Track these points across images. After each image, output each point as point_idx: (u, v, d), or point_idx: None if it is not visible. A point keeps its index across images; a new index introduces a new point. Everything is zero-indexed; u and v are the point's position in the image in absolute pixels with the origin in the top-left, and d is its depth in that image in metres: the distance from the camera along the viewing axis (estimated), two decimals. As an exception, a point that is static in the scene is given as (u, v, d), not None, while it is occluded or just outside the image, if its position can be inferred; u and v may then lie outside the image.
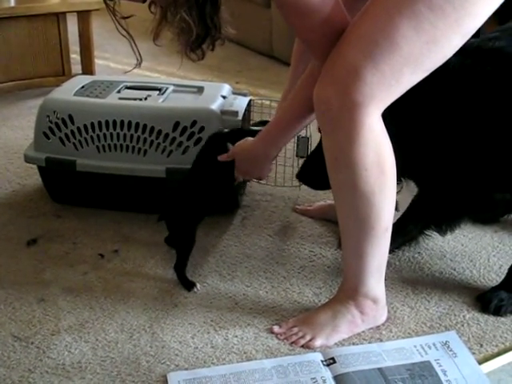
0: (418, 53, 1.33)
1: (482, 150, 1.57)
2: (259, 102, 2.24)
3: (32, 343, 1.51)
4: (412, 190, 1.80)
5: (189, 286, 1.71)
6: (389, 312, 1.59)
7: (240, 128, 1.91)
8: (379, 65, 1.32)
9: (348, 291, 1.55)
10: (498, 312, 1.61)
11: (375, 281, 1.53)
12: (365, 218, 1.44)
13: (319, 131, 1.82)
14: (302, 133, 1.99)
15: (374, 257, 1.49)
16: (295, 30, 1.45)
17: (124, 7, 1.41)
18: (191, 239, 1.76)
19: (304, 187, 2.04)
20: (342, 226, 1.51)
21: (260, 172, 1.78)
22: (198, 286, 1.71)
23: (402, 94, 1.38)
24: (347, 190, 1.44)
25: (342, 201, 1.48)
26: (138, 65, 1.51)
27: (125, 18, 1.38)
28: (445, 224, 1.76)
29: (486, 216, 1.90)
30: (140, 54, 1.46)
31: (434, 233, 1.80)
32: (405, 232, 1.71)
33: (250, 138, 1.73)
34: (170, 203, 1.78)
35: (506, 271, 1.69)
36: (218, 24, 1.38)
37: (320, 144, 1.80)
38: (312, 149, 1.98)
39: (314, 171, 1.79)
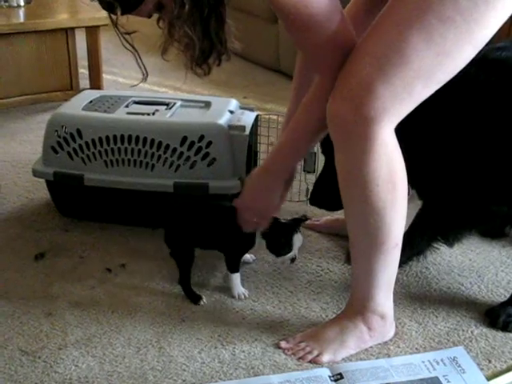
0: (429, 65, 1.32)
1: (483, 162, 1.56)
2: (266, 116, 2.24)
3: (39, 357, 1.51)
4: (418, 203, 1.79)
5: (195, 299, 1.72)
6: (396, 327, 1.59)
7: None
8: (391, 79, 1.32)
9: (356, 307, 1.54)
10: (506, 328, 1.60)
11: (384, 297, 1.53)
12: (376, 233, 1.44)
13: (323, 152, 1.82)
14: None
15: (383, 272, 1.49)
16: (300, 44, 1.46)
17: (131, 22, 1.42)
18: (190, 255, 1.75)
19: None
20: (353, 241, 1.50)
21: (267, 204, 1.66)
22: (205, 299, 1.72)
23: (414, 107, 1.38)
24: (359, 205, 1.44)
25: (353, 216, 1.48)
26: (144, 79, 1.52)
27: (128, 33, 1.39)
28: (451, 236, 1.75)
29: (486, 228, 1.89)
30: (146, 69, 1.47)
31: (442, 245, 1.80)
32: (412, 245, 1.70)
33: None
34: (169, 220, 1.78)
35: (513, 287, 1.69)
36: (224, 39, 1.39)
37: (326, 165, 1.81)
38: (318, 167, 1.99)
39: (325, 193, 1.79)
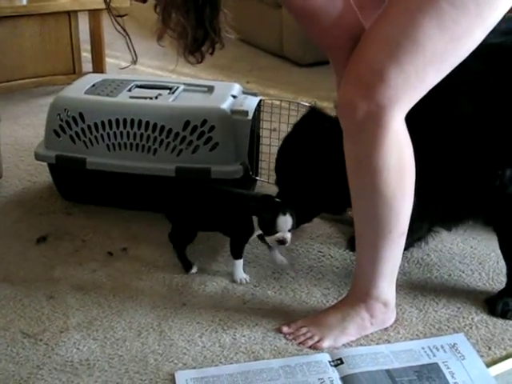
0: (441, 51, 1.32)
1: (479, 148, 1.55)
2: (269, 102, 2.23)
3: (41, 340, 1.52)
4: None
5: (187, 266, 1.76)
6: (397, 314, 1.59)
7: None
8: (404, 66, 1.31)
9: (359, 294, 1.55)
10: (504, 316, 1.60)
11: (387, 284, 1.53)
12: (383, 221, 1.44)
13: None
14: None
15: (388, 261, 1.49)
16: (308, 33, 1.45)
17: (131, 7, 1.42)
18: (191, 235, 1.79)
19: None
20: (359, 229, 1.50)
21: None
22: (195, 269, 1.76)
23: (425, 93, 1.37)
24: (368, 194, 1.43)
25: (361, 204, 1.47)
26: (134, 63, 1.52)
27: (120, 16, 1.38)
28: (449, 219, 1.75)
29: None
30: (135, 53, 1.47)
31: (442, 230, 1.81)
32: (412, 231, 1.70)
33: None
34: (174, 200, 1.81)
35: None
36: (218, 28, 1.38)
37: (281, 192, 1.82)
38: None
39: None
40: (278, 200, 1.71)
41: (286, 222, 1.65)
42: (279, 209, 1.65)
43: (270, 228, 1.65)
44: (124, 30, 1.41)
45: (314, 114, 1.81)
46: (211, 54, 1.42)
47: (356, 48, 1.38)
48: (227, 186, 1.85)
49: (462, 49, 1.34)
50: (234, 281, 1.74)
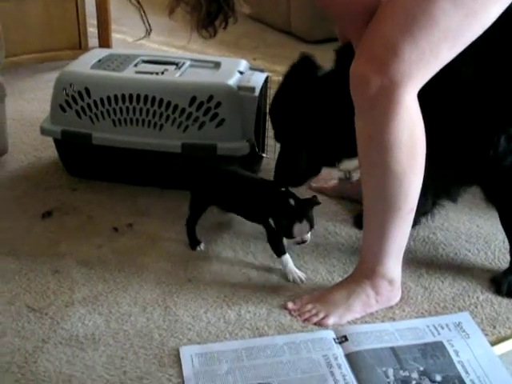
0: (457, 27, 1.30)
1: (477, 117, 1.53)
2: (276, 78, 2.21)
3: (46, 314, 1.52)
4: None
5: (194, 244, 1.77)
6: (402, 292, 1.59)
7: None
8: (418, 41, 1.30)
9: (365, 271, 1.54)
10: (510, 295, 1.60)
11: (394, 262, 1.53)
12: (393, 198, 1.43)
13: (277, 140, 1.79)
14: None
15: (396, 238, 1.49)
16: (324, 6, 1.43)
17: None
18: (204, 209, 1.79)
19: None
20: (368, 205, 1.50)
21: None
22: (203, 246, 1.77)
23: (438, 70, 1.36)
24: (378, 170, 1.43)
25: (371, 180, 1.47)
26: (148, 34, 1.50)
27: None
28: (453, 189, 1.75)
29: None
30: (149, 24, 1.45)
31: (447, 202, 1.81)
32: (417, 206, 1.69)
33: None
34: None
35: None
36: (232, 2, 1.37)
37: (283, 149, 1.78)
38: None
39: (287, 171, 1.77)
40: (292, 202, 1.63)
41: (302, 228, 1.61)
42: (296, 215, 1.60)
43: (286, 234, 1.63)
44: (138, 2, 1.40)
45: (305, 62, 1.75)
46: (224, 28, 1.41)
47: (371, 22, 1.37)
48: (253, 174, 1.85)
49: (476, 25, 1.32)
50: (288, 280, 1.66)
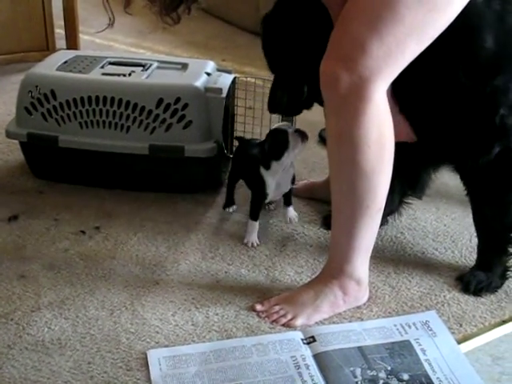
0: (421, 22, 1.31)
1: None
2: (244, 79, 2.22)
3: (11, 320, 1.50)
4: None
5: (228, 203, 1.96)
6: (370, 291, 1.59)
7: None
8: (384, 37, 1.31)
9: (333, 270, 1.55)
10: (478, 293, 1.61)
11: (361, 261, 1.53)
12: (362, 196, 1.44)
13: None
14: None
15: (364, 236, 1.49)
16: None
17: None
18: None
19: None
20: (336, 203, 1.50)
21: None
22: (235, 208, 1.96)
23: (406, 65, 1.37)
24: (347, 167, 1.43)
25: (340, 178, 1.47)
26: (111, 25, 1.49)
27: None
28: (419, 185, 1.77)
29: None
30: (113, 13, 1.44)
31: (412, 199, 1.84)
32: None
33: None
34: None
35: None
36: None
37: (278, 76, 1.77)
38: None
39: (281, 98, 1.76)
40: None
41: (296, 136, 1.75)
42: (286, 129, 1.76)
43: (284, 146, 1.74)
44: None
45: None
46: (188, 13, 1.40)
47: (338, 20, 1.38)
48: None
49: (441, 19, 1.34)
50: (244, 243, 1.80)
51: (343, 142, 1.42)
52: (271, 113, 1.85)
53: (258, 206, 1.82)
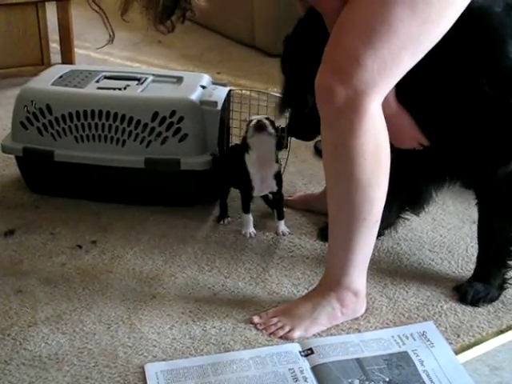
0: (416, 34, 1.32)
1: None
2: (239, 92, 2.23)
3: (8, 335, 1.50)
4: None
5: (222, 215, 1.98)
6: (367, 303, 1.59)
7: None
8: (379, 51, 1.32)
9: (330, 282, 1.55)
10: (476, 303, 1.61)
11: (358, 273, 1.53)
12: (358, 208, 1.44)
13: (284, 72, 1.78)
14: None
15: (361, 249, 1.49)
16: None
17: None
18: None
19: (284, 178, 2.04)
20: (333, 215, 1.50)
21: None
22: (229, 219, 1.97)
23: (401, 77, 1.38)
24: (343, 179, 1.43)
25: (336, 190, 1.47)
26: (111, 41, 1.50)
27: None
28: (417, 202, 1.77)
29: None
30: (112, 30, 1.44)
31: (410, 215, 1.83)
32: (381, 219, 1.71)
33: None
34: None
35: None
36: None
37: (300, 100, 1.78)
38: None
39: (301, 123, 1.81)
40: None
41: (252, 127, 1.82)
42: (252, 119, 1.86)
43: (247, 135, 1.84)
44: (99, 8, 1.39)
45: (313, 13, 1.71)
46: (182, 22, 1.40)
47: (332, 33, 1.38)
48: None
49: (435, 31, 1.34)
50: (243, 234, 1.90)
51: (339, 154, 1.42)
52: (290, 136, 1.99)
53: (247, 199, 1.90)
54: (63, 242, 1.85)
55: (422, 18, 1.31)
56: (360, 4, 1.35)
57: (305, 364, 1.42)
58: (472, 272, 1.71)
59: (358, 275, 1.54)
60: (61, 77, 2.11)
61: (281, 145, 1.92)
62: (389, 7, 1.30)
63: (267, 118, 1.85)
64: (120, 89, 2.03)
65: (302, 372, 1.39)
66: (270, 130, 1.81)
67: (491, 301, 1.63)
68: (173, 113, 1.92)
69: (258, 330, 1.53)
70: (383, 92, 1.38)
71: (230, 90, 2.12)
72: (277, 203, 1.94)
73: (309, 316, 1.53)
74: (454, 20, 1.35)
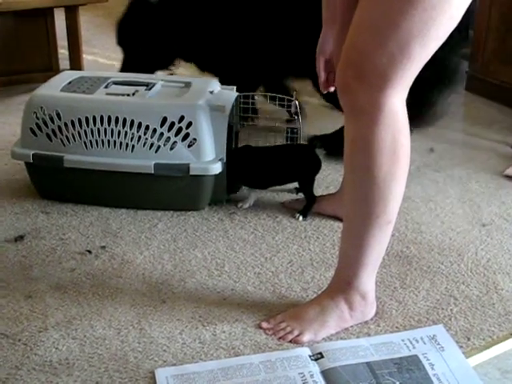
0: (419, 24, 1.31)
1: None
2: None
3: (19, 340, 1.50)
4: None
5: (233, 189, 2.09)
6: (377, 306, 1.59)
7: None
8: (386, 45, 1.32)
9: (339, 283, 1.55)
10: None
11: (368, 275, 1.53)
12: (372, 204, 1.44)
13: None
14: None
15: (373, 249, 1.49)
16: None
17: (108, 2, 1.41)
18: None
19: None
20: (348, 211, 1.51)
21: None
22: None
23: (418, 69, 1.37)
24: (360, 174, 1.44)
25: (352, 185, 1.48)
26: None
27: None
28: None
29: None
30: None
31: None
32: None
33: None
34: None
35: (493, 265, 1.69)
36: None
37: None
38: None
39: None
40: None
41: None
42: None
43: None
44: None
45: None
46: None
47: (347, 36, 1.40)
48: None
49: (442, 17, 1.32)
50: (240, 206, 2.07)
51: (356, 147, 1.43)
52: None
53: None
54: (73, 248, 1.86)
55: (422, 7, 1.30)
56: (366, 5, 1.36)
57: (315, 368, 1.41)
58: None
59: (367, 277, 1.53)
60: (70, 83, 2.12)
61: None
62: (389, 3, 1.31)
63: None
64: (129, 94, 2.04)
65: (312, 376, 1.39)
66: None
67: None
68: (181, 118, 1.93)
69: (267, 334, 1.53)
70: (398, 86, 1.37)
71: (238, 95, 2.13)
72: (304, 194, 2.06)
73: (318, 319, 1.53)
74: (462, 6, 1.34)
